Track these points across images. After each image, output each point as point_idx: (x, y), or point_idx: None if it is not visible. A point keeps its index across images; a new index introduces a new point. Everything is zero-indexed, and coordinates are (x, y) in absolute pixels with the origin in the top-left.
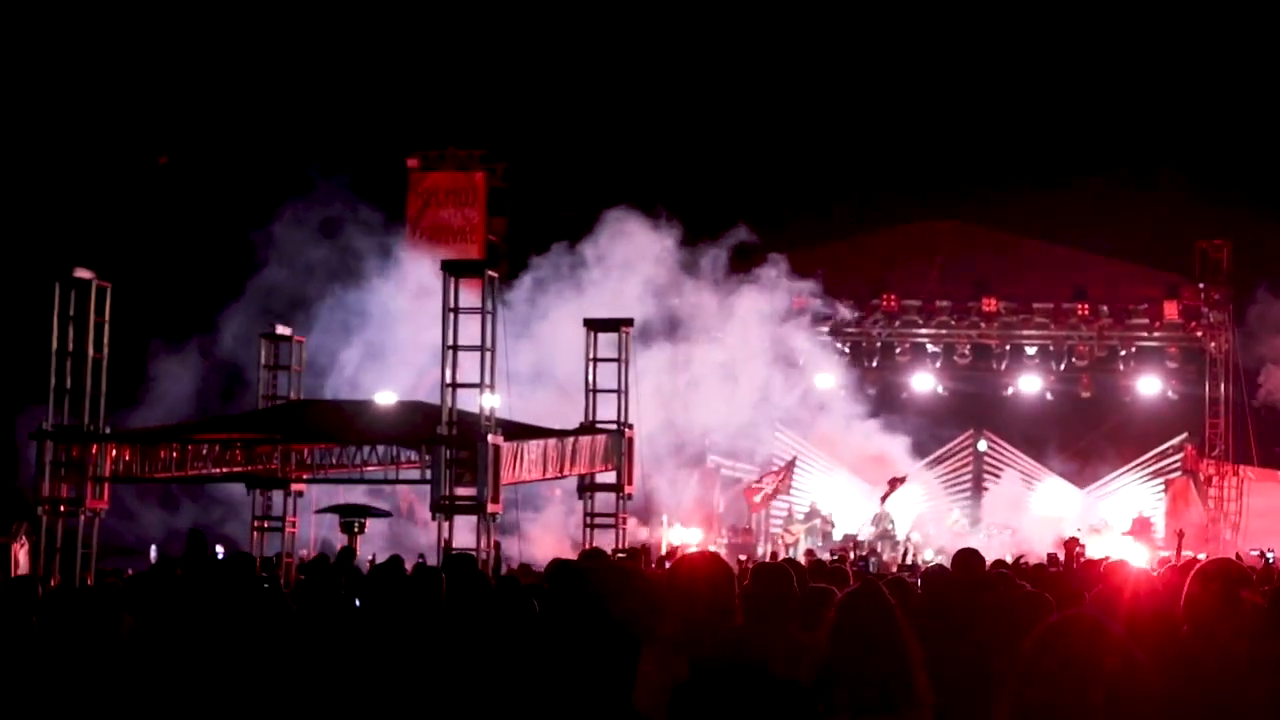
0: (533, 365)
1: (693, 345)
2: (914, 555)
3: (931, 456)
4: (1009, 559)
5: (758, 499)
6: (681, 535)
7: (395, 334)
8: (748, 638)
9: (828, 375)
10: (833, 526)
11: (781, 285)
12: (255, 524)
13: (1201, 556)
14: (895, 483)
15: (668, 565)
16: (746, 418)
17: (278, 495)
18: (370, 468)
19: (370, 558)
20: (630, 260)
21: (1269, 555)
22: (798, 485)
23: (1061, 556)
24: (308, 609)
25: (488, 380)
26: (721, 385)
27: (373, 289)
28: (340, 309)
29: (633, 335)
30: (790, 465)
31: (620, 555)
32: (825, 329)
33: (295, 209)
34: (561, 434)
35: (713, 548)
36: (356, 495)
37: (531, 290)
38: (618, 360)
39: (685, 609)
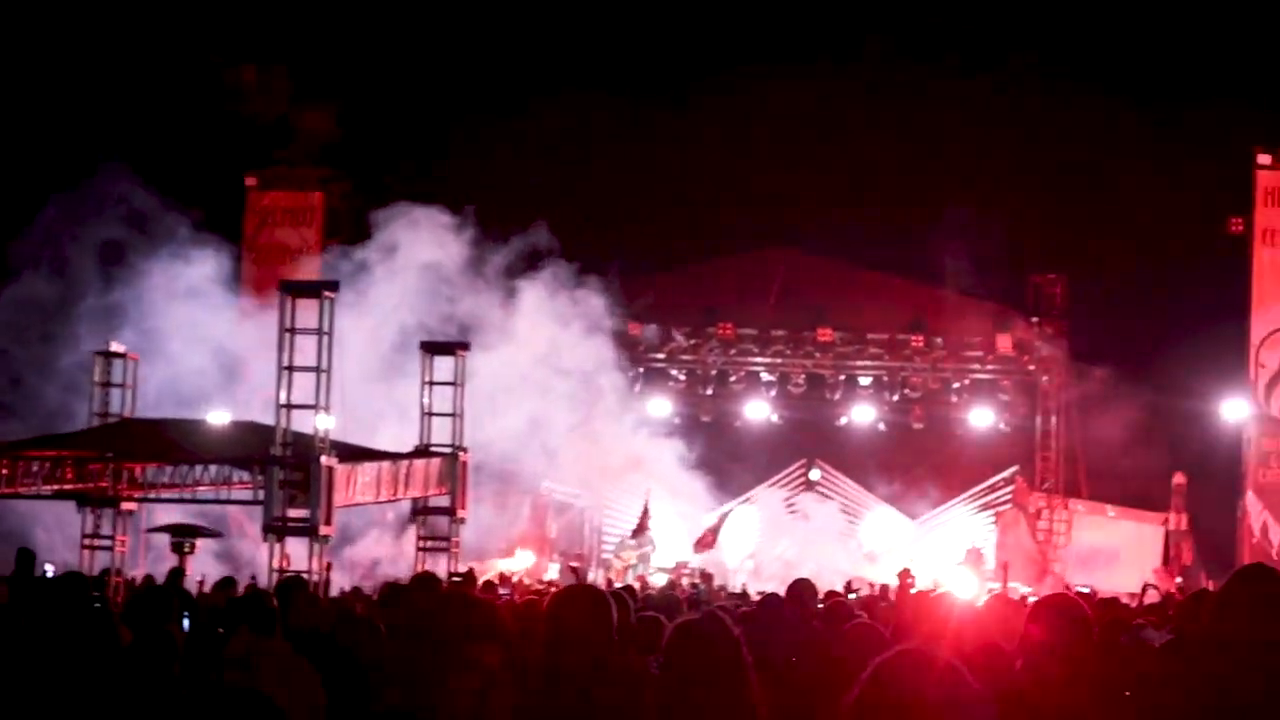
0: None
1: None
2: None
3: (764, 485)
4: (839, 589)
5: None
6: (509, 561)
7: (230, 353)
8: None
9: (662, 402)
10: (653, 548)
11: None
12: (84, 542)
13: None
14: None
15: (503, 592)
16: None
17: (107, 514)
18: (202, 487)
19: (200, 578)
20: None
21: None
22: (627, 511)
23: (894, 587)
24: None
25: (323, 401)
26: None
27: (208, 308)
28: (174, 327)
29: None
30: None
31: (455, 579)
32: (660, 356)
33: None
34: (396, 457)
35: (550, 573)
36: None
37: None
38: (453, 384)
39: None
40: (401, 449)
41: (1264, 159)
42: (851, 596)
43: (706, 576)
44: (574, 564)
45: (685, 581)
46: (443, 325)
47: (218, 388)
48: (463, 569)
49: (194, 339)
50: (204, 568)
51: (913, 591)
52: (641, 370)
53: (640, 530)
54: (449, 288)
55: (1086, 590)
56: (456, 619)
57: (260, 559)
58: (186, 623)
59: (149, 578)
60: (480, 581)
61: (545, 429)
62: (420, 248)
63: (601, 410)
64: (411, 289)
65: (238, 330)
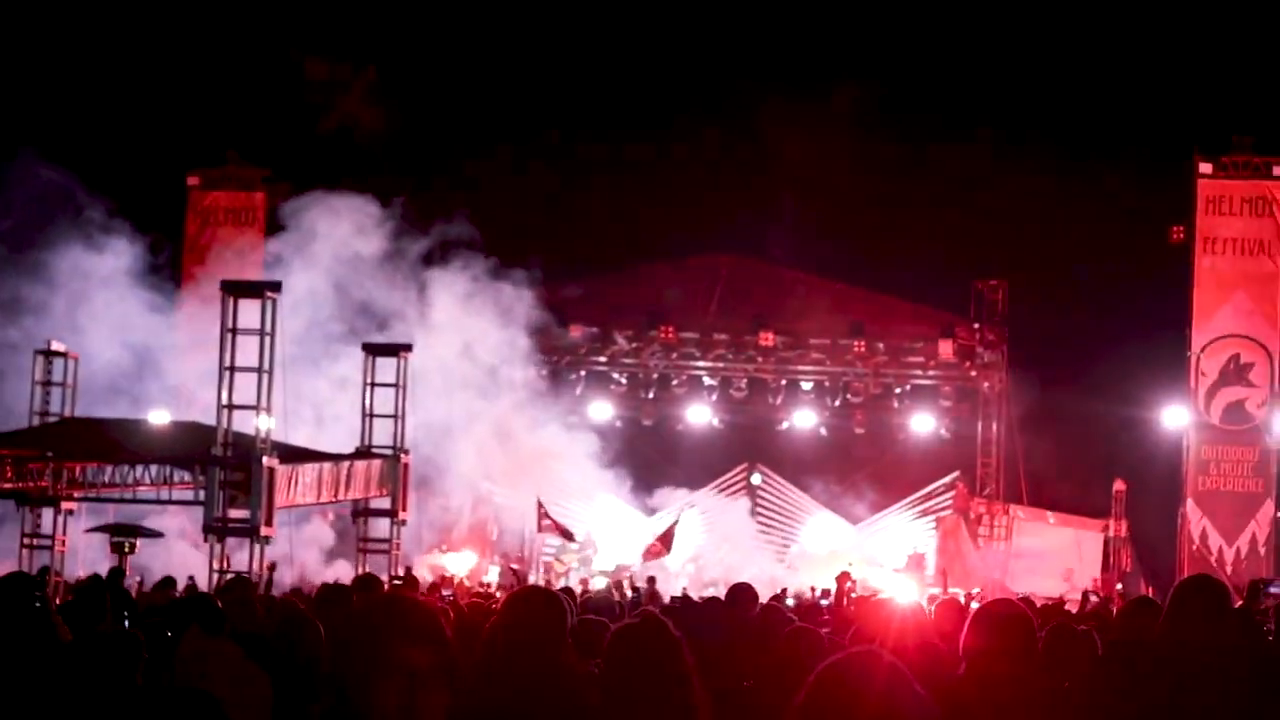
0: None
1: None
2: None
3: (706, 489)
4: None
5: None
6: (454, 561)
7: (171, 353)
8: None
9: (603, 405)
10: (595, 552)
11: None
12: (24, 542)
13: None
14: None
15: (445, 594)
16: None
17: (47, 513)
18: (143, 487)
19: (138, 579)
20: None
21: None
22: (574, 515)
23: (833, 591)
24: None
25: (264, 402)
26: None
27: (148, 307)
28: (115, 326)
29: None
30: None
31: (395, 581)
32: (602, 359)
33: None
34: (337, 458)
35: (491, 575)
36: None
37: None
38: (395, 385)
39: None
40: (313, 445)
41: (1205, 167)
42: (789, 602)
43: (650, 580)
44: (514, 566)
45: (626, 585)
46: (358, 318)
47: (152, 387)
48: (401, 570)
49: (127, 337)
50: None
51: (853, 596)
52: (583, 373)
53: (568, 536)
54: (364, 279)
55: (1025, 596)
56: (386, 620)
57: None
58: (126, 623)
59: (95, 576)
60: (426, 584)
61: (464, 425)
62: (337, 239)
63: (518, 407)
64: (324, 281)
65: (181, 330)
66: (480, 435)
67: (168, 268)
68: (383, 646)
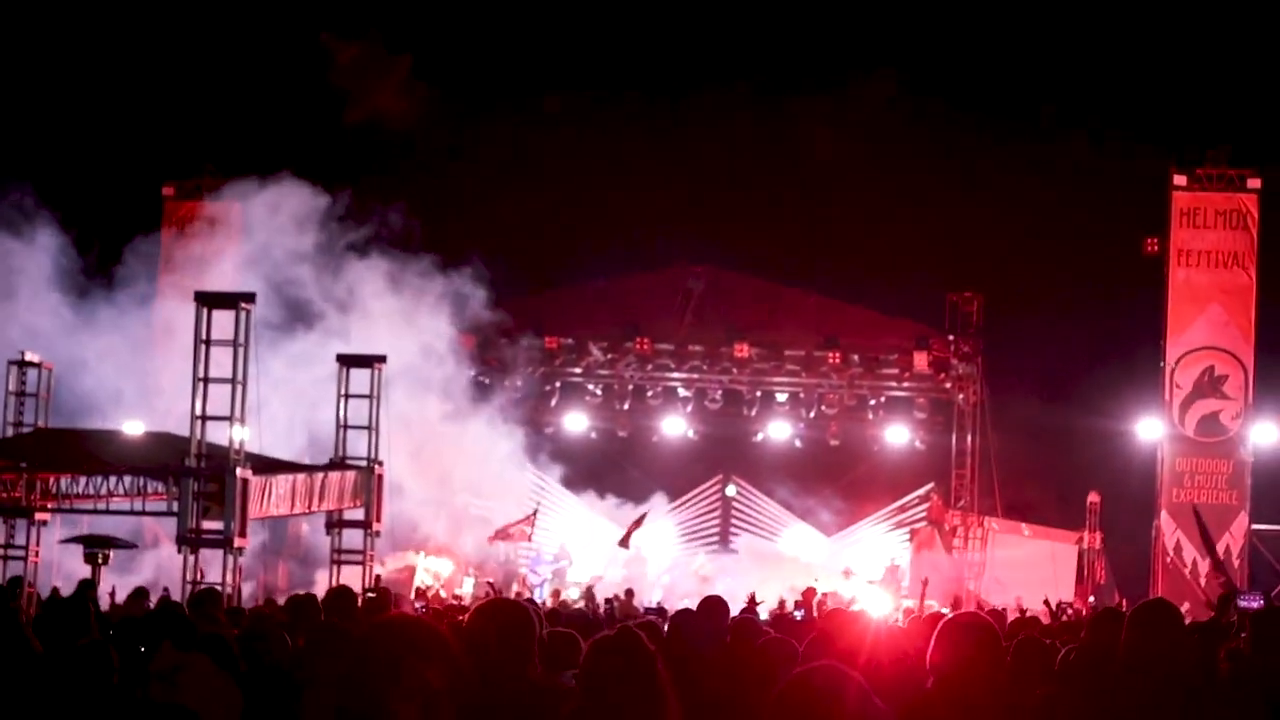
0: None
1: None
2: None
3: (680, 500)
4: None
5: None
6: (435, 565)
7: (146, 363)
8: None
9: (579, 416)
10: (570, 563)
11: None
12: None
13: (940, 607)
14: (634, 526)
15: (418, 605)
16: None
17: (21, 524)
18: (117, 498)
19: (110, 589)
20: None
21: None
22: (545, 526)
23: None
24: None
25: (238, 413)
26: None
27: (125, 317)
28: (91, 336)
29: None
30: (532, 517)
31: (369, 594)
32: (577, 370)
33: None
34: (311, 469)
35: (465, 587)
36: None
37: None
38: (369, 396)
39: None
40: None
41: (1179, 180)
42: (763, 615)
43: (628, 593)
44: (489, 580)
45: (600, 597)
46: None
47: (135, 399)
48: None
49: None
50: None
51: (827, 608)
52: (558, 384)
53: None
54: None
55: (999, 609)
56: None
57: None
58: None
59: (80, 586)
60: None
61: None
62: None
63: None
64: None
65: (155, 340)
66: (415, 439)
67: (143, 278)
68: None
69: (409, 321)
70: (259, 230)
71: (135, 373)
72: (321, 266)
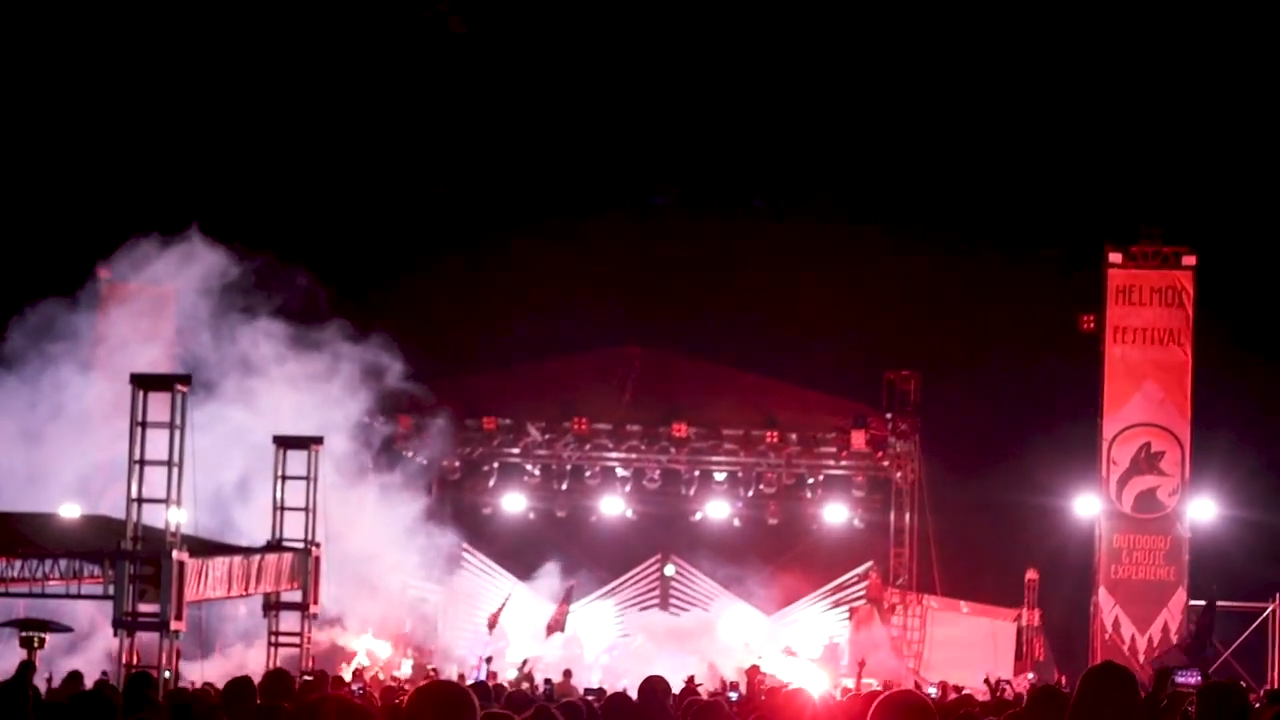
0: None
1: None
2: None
3: (619, 580)
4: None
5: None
6: (370, 645)
7: (82, 446)
8: None
9: (517, 497)
10: (507, 644)
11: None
12: None
13: (877, 685)
14: (561, 610)
15: (355, 688)
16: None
17: None
18: (52, 581)
19: (48, 675)
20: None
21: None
22: (482, 607)
23: (743, 684)
24: None
25: (174, 496)
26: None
27: (60, 399)
28: (24, 417)
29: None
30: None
31: (306, 677)
32: (515, 450)
33: None
34: (248, 551)
35: (403, 668)
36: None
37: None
38: (306, 478)
39: None
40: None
41: (1115, 257)
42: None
43: (566, 674)
44: (431, 667)
45: (539, 678)
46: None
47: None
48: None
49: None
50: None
51: (765, 687)
52: (496, 465)
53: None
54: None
55: (935, 687)
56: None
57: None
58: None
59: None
60: (332, 676)
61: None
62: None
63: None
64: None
65: (91, 423)
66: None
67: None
68: None
69: (333, 402)
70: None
71: (71, 454)
72: (226, 334)
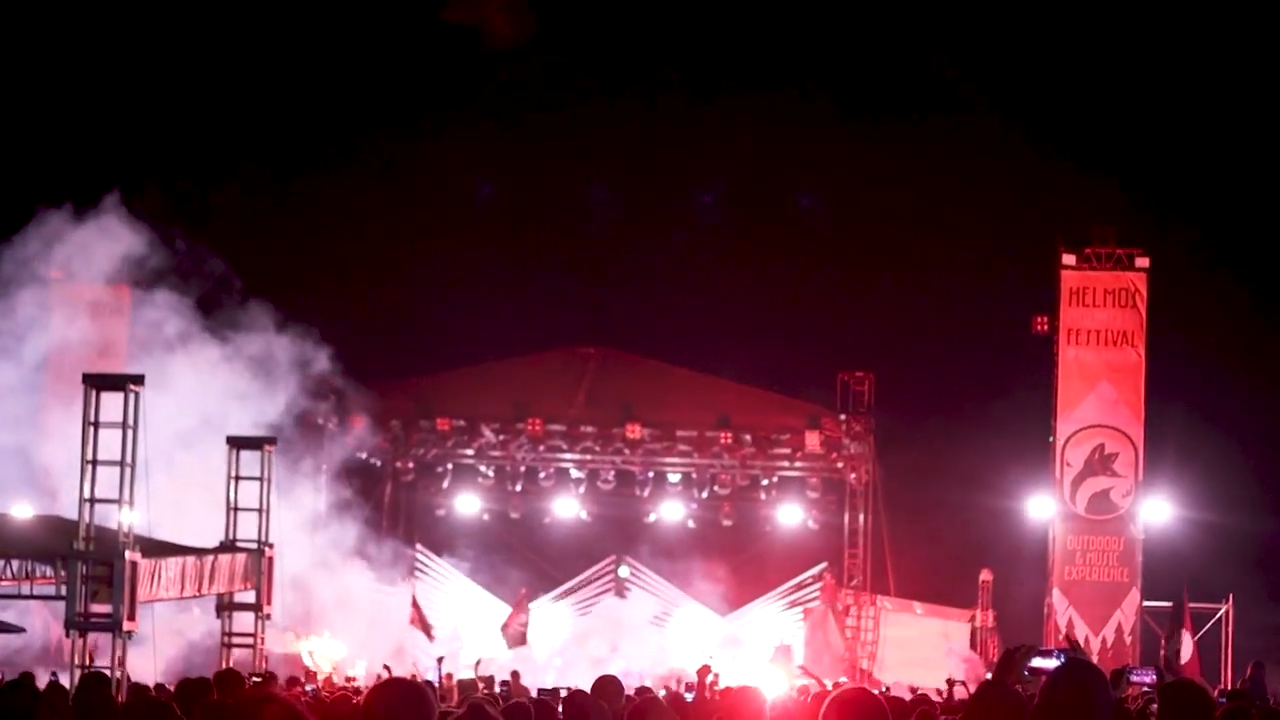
0: None
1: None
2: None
3: (573, 581)
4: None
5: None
6: (326, 646)
7: (34, 446)
8: None
9: (471, 498)
10: (461, 645)
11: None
12: None
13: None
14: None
15: (308, 687)
16: None
17: None
18: (4, 582)
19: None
20: None
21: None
22: (437, 608)
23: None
24: None
25: (127, 496)
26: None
27: (10, 398)
28: None
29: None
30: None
31: (255, 680)
32: (469, 452)
33: None
34: (201, 552)
35: (358, 669)
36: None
37: None
38: (260, 479)
39: None
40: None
41: (1069, 259)
42: (662, 694)
43: (514, 675)
44: (385, 664)
45: (496, 679)
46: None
47: (23, 482)
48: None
49: None
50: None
51: (719, 688)
52: (450, 466)
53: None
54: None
55: (887, 688)
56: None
57: None
58: None
59: None
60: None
61: None
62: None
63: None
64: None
65: (43, 423)
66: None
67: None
68: None
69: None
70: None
71: (26, 454)
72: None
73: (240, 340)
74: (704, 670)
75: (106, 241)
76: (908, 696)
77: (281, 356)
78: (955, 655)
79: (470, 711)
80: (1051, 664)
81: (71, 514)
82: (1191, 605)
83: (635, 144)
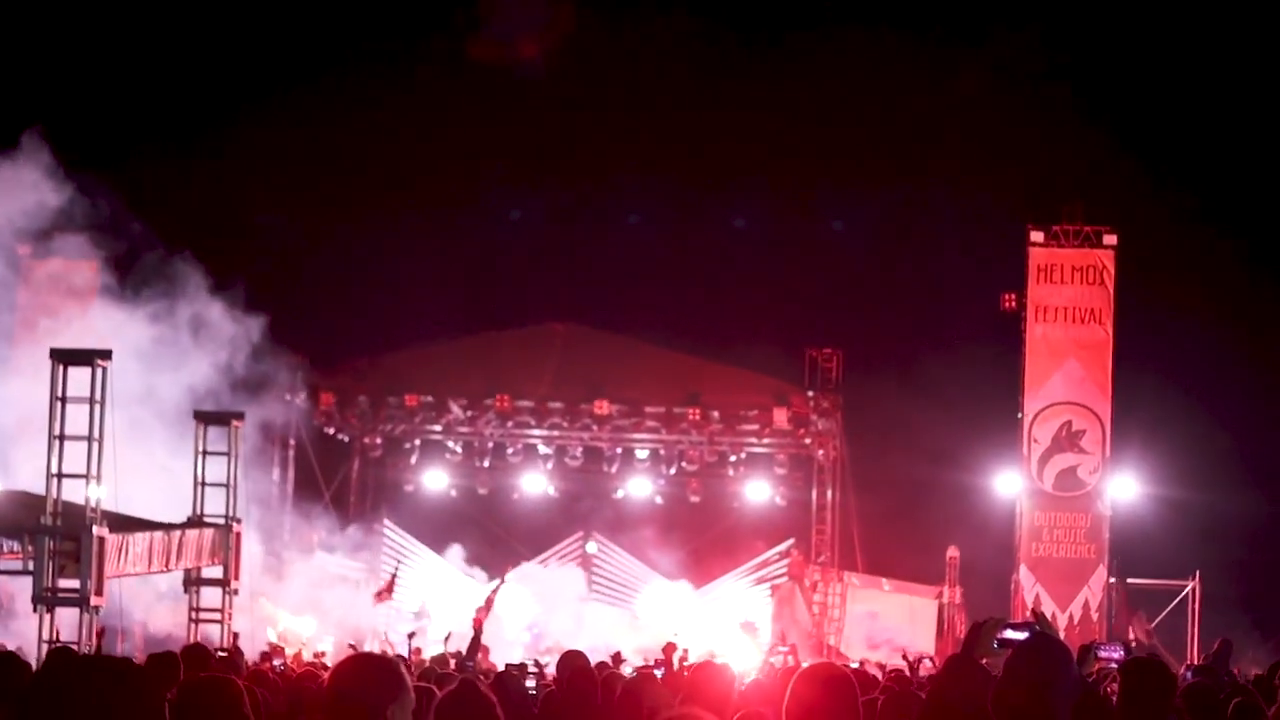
0: None
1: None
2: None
3: (541, 557)
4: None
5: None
6: (290, 623)
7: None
8: None
9: (438, 474)
10: (430, 621)
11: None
12: None
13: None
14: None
15: (277, 663)
16: None
17: None
18: None
19: None
20: None
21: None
22: (405, 584)
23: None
24: None
25: (94, 471)
26: None
27: None
28: None
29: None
30: (390, 582)
31: (221, 654)
32: (437, 427)
33: None
34: (169, 527)
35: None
36: None
37: None
38: (227, 454)
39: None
40: None
41: (1037, 236)
42: (627, 670)
43: (484, 650)
44: (350, 643)
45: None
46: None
47: None
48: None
49: None
50: None
51: (688, 663)
52: (418, 442)
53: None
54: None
55: (856, 664)
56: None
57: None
58: None
59: None
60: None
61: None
62: None
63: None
64: None
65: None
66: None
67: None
68: None
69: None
70: None
71: None
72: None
73: (195, 309)
74: (670, 647)
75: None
76: (879, 675)
77: (225, 325)
78: (921, 631)
79: (462, 686)
80: (1021, 636)
81: (37, 489)
82: (1158, 582)
83: (598, 121)
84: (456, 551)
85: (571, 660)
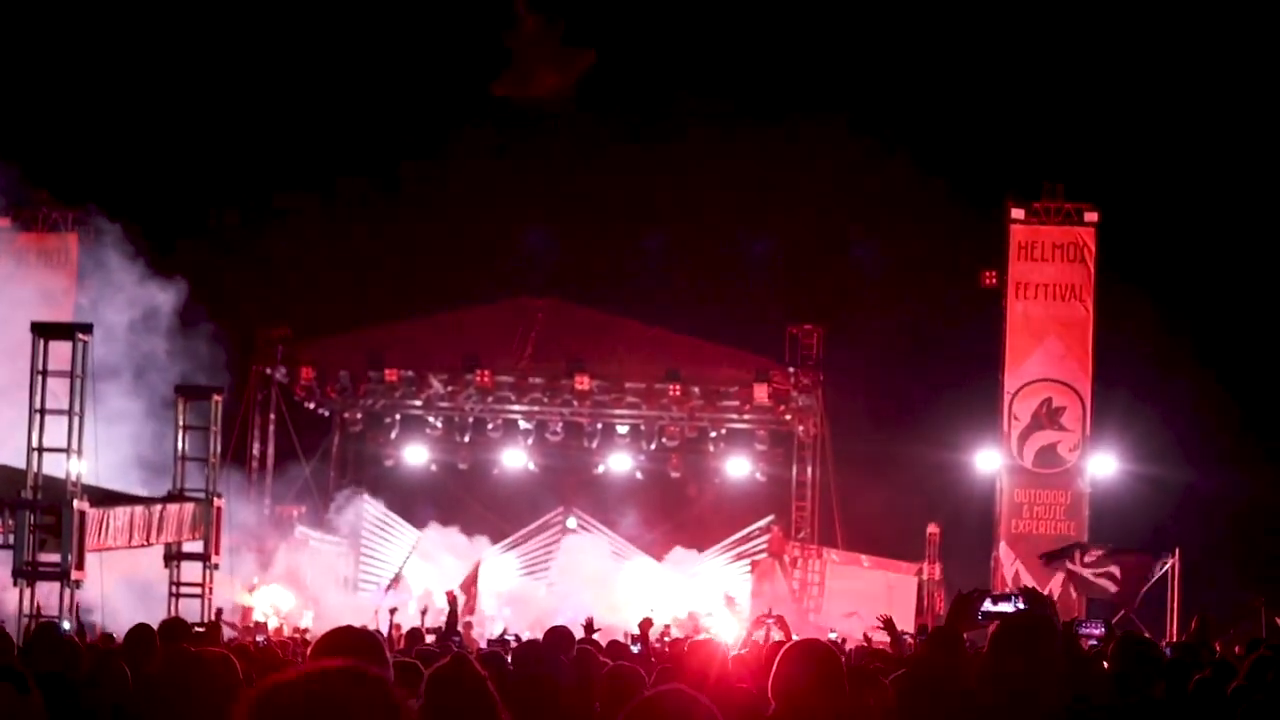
0: None
1: None
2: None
3: (521, 532)
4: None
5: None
6: (275, 597)
7: None
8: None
9: (419, 449)
10: (410, 596)
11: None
12: None
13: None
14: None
15: (259, 639)
16: None
17: None
18: None
19: None
20: None
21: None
22: (382, 558)
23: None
24: None
25: (75, 445)
26: None
27: None
28: None
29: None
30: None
31: (198, 629)
32: (417, 403)
33: None
34: (149, 501)
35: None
36: None
37: None
38: (207, 429)
39: None
40: None
41: (1017, 213)
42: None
43: (467, 626)
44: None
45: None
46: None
47: None
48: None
49: None
50: None
51: (669, 638)
52: (398, 416)
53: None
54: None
55: (836, 637)
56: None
57: None
58: None
59: None
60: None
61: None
62: None
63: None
64: None
65: None
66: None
67: None
68: (182, 705)
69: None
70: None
71: None
72: None
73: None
74: (646, 623)
75: None
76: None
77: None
78: (902, 608)
79: (453, 662)
80: (1008, 608)
81: (18, 463)
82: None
83: (583, 98)
84: (436, 526)
85: (556, 636)
